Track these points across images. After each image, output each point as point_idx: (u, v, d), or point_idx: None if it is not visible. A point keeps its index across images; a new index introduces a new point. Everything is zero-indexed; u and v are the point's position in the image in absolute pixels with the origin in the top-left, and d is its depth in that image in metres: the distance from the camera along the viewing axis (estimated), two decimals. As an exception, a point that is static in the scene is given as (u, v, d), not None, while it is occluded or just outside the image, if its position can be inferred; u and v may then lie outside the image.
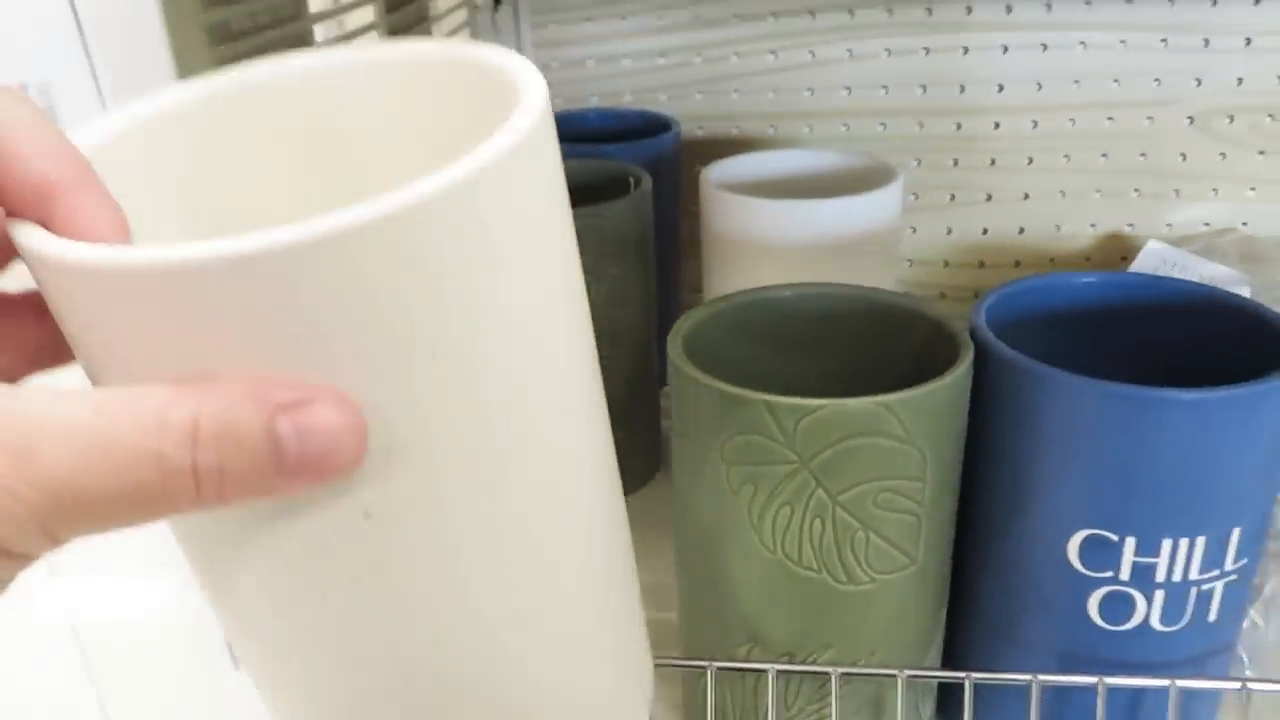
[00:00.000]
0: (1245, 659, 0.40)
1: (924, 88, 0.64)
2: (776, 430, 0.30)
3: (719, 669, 0.34)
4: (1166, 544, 0.31)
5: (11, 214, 0.17)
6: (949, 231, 0.67)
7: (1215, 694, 0.34)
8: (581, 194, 0.47)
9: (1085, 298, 0.36)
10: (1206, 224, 0.66)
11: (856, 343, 0.37)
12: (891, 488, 0.31)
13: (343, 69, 0.21)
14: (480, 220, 0.16)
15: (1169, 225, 0.66)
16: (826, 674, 0.33)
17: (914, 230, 0.68)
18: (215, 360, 0.15)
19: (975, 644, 0.37)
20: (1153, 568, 0.31)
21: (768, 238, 0.48)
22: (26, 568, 0.15)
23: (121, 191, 0.18)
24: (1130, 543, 0.31)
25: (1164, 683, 0.32)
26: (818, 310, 0.38)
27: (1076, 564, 0.32)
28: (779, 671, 0.33)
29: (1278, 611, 0.41)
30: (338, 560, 0.17)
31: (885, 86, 0.64)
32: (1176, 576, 0.31)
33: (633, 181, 0.52)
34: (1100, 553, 0.31)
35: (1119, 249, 0.66)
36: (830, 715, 0.33)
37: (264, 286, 0.15)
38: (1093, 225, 0.66)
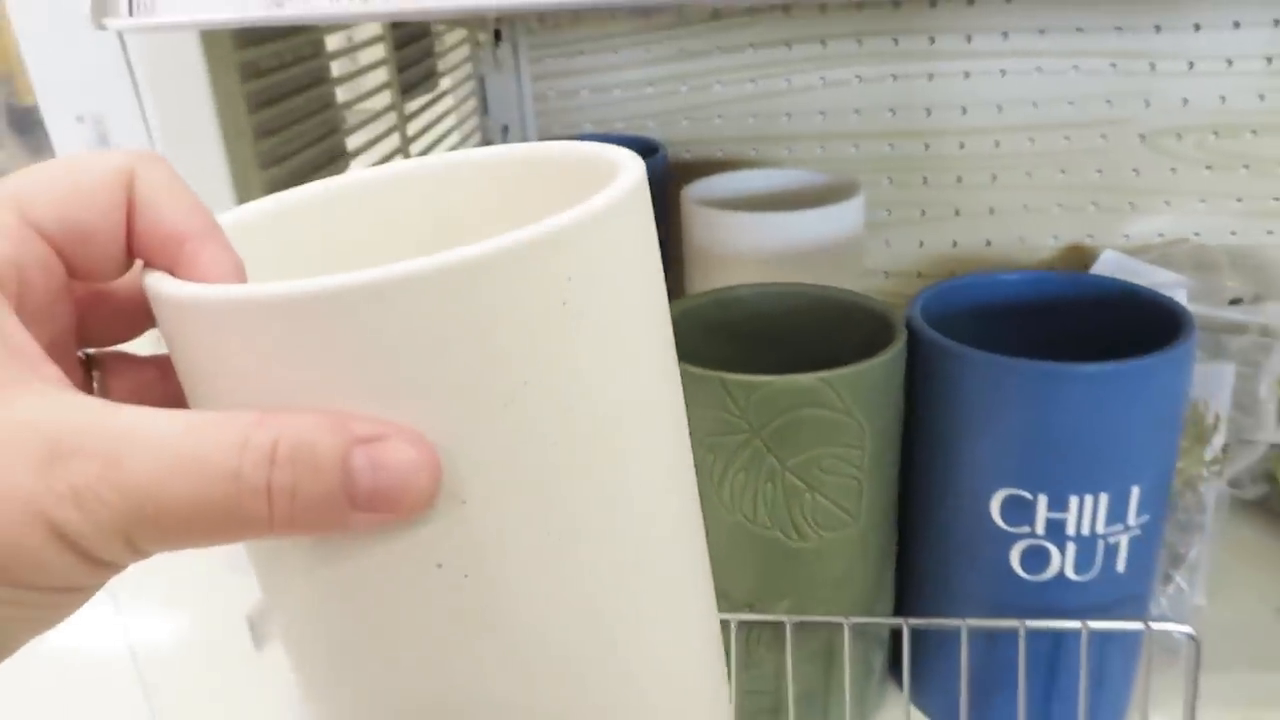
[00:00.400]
0: (1195, 636, 0.45)
1: (893, 111, 0.69)
2: (732, 405, 0.35)
3: (687, 619, 0.38)
4: (1074, 501, 0.35)
5: (147, 264, 0.18)
6: (921, 245, 0.72)
7: (1128, 639, 0.38)
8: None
9: (1010, 293, 0.41)
10: (1160, 235, 0.71)
11: (810, 335, 0.42)
12: (834, 454, 0.36)
13: (462, 166, 0.23)
14: (561, 273, 0.17)
15: (1126, 236, 0.71)
16: (782, 622, 0.37)
17: (888, 244, 0.72)
18: (306, 396, 0.16)
19: (917, 598, 0.41)
20: (1063, 522, 0.36)
21: (740, 248, 0.53)
22: (110, 577, 0.16)
23: (253, 268, 0.19)
24: (1043, 500, 0.36)
25: (1076, 625, 0.36)
26: (776, 308, 0.43)
27: (998, 521, 0.36)
28: (740, 622, 0.38)
29: (1201, 576, 0.46)
30: (410, 612, 0.17)
31: (857, 110, 0.70)
32: (1085, 530, 0.36)
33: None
34: (1018, 510, 0.36)
35: (1080, 259, 0.71)
36: (787, 662, 0.38)
37: (348, 321, 0.15)
38: (1055, 237, 0.71)
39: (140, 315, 0.20)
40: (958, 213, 0.71)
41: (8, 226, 0.17)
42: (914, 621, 0.37)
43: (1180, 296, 0.56)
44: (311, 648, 0.19)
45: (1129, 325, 0.39)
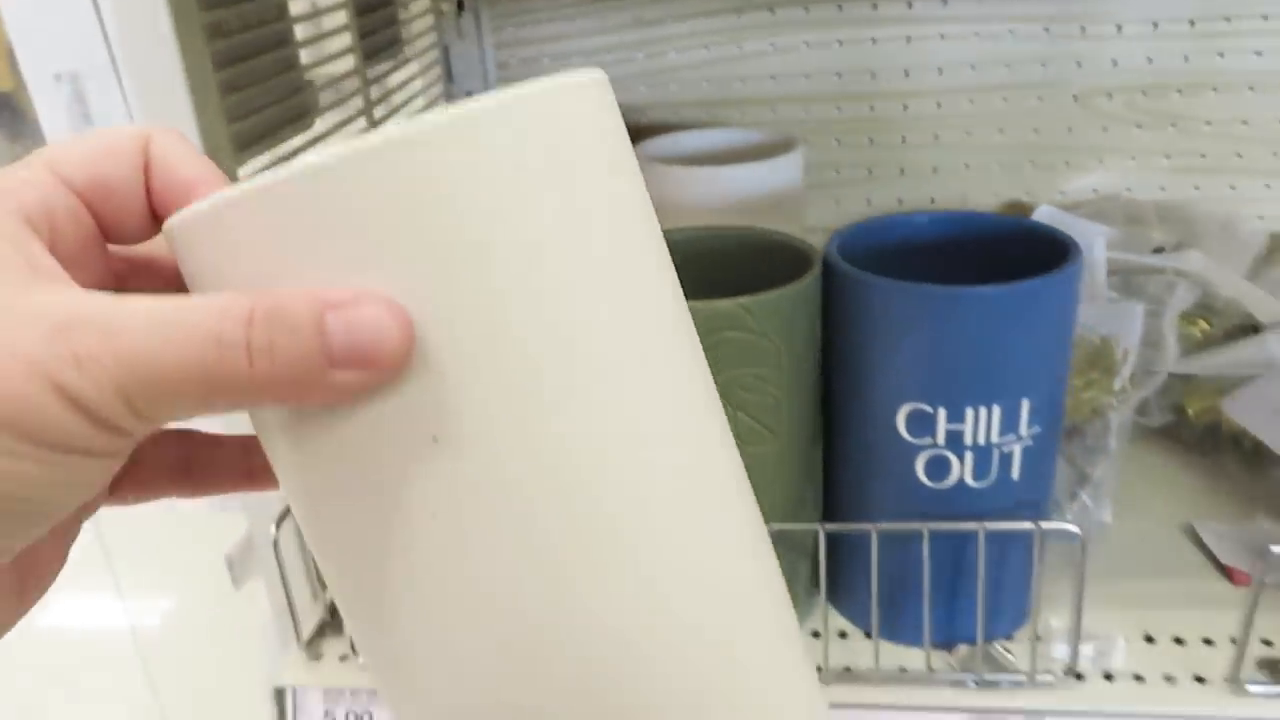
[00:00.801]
0: (1079, 533, 0.49)
1: (839, 75, 0.73)
2: (658, 328, 0.39)
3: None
4: (970, 413, 0.39)
5: (162, 218, 0.20)
6: (868, 202, 0.76)
7: (1027, 541, 0.42)
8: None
9: (919, 232, 0.45)
10: (1095, 190, 0.74)
11: (739, 272, 0.46)
12: (753, 374, 0.39)
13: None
14: (518, 139, 0.17)
15: (1062, 193, 0.74)
16: (711, 530, 0.41)
17: (837, 202, 0.76)
18: (291, 281, 0.17)
19: (837, 509, 0.45)
20: (961, 433, 0.39)
21: (688, 201, 0.56)
22: (123, 445, 0.18)
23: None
24: (942, 413, 0.39)
25: (974, 526, 0.40)
26: (709, 248, 0.46)
27: (904, 433, 0.40)
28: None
29: (1107, 495, 0.50)
30: (413, 492, 0.18)
31: (806, 75, 0.73)
32: (980, 440, 0.39)
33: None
34: (921, 423, 0.40)
35: (1019, 215, 0.74)
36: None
37: (318, 200, 0.17)
38: (995, 194, 0.75)
39: (173, 284, 0.22)
40: (903, 171, 0.75)
41: (40, 179, 0.20)
42: (829, 526, 0.41)
43: (1099, 245, 0.60)
44: (324, 530, 0.19)
45: (1026, 258, 0.42)
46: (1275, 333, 0.54)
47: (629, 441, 0.18)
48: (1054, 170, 0.74)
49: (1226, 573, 0.47)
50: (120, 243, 0.22)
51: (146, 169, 0.21)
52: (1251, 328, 0.60)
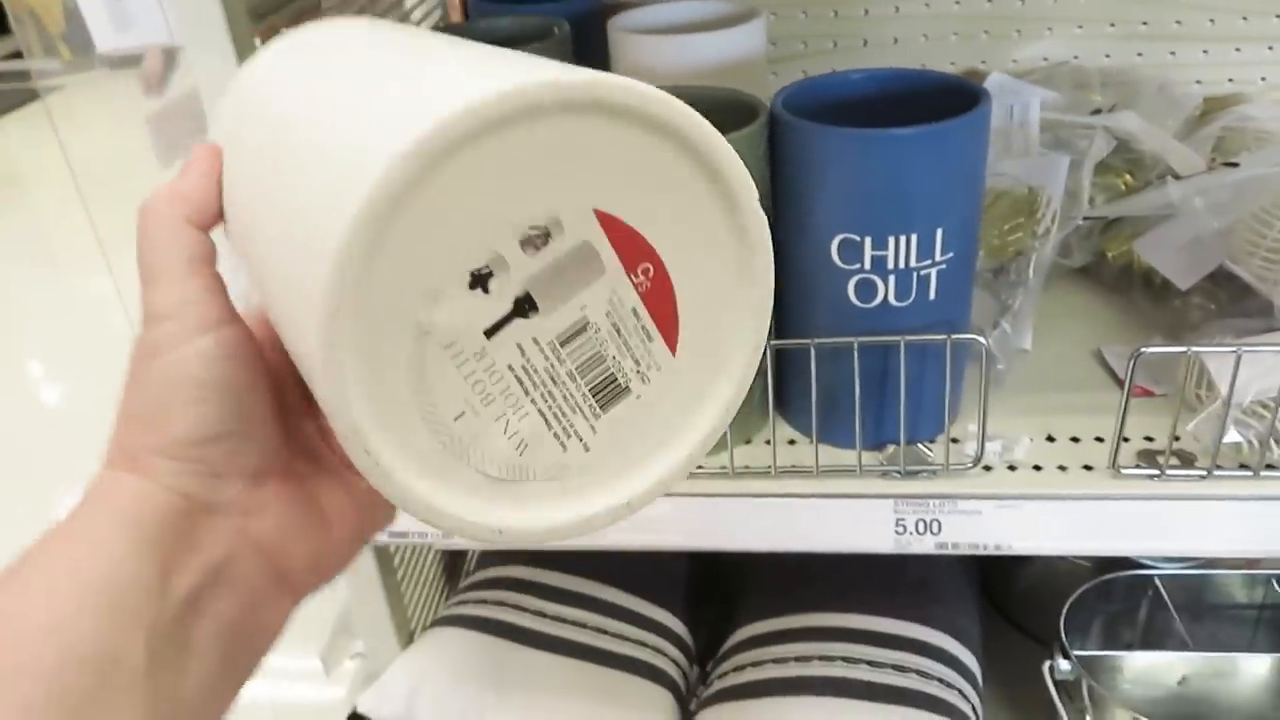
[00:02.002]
0: (999, 357, 0.56)
1: (805, -50, 0.77)
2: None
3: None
4: (891, 240, 0.46)
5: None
6: (833, 73, 0.81)
7: (938, 352, 0.49)
8: (510, 46, 0.60)
9: (856, 88, 0.51)
10: (1045, 59, 0.79)
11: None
12: (706, 210, 0.46)
13: None
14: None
15: (1014, 61, 0.80)
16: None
17: (804, 73, 0.81)
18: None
19: (782, 331, 0.52)
20: (885, 259, 0.46)
21: (657, 70, 0.62)
22: None
23: None
24: (868, 241, 0.46)
25: (895, 339, 0.47)
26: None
27: (837, 260, 0.47)
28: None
29: (1022, 323, 0.57)
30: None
31: (774, -50, 0.77)
32: (901, 264, 0.46)
33: (555, 31, 0.66)
34: (850, 250, 0.46)
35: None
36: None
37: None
38: (952, 63, 0.80)
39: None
40: (865, 43, 0.80)
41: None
42: (774, 343, 0.48)
43: (1034, 106, 0.66)
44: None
45: (948, 109, 0.48)
46: (1180, 182, 0.61)
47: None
48: (1007, 39, 0.79)
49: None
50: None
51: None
52: (1171, 179, 0.66)
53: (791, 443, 0.54)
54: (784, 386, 0.53)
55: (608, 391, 0.27)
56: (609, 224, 0.26)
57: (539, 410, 0.26)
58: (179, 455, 0.27)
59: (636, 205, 0.26)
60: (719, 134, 0.26)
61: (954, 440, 0.52)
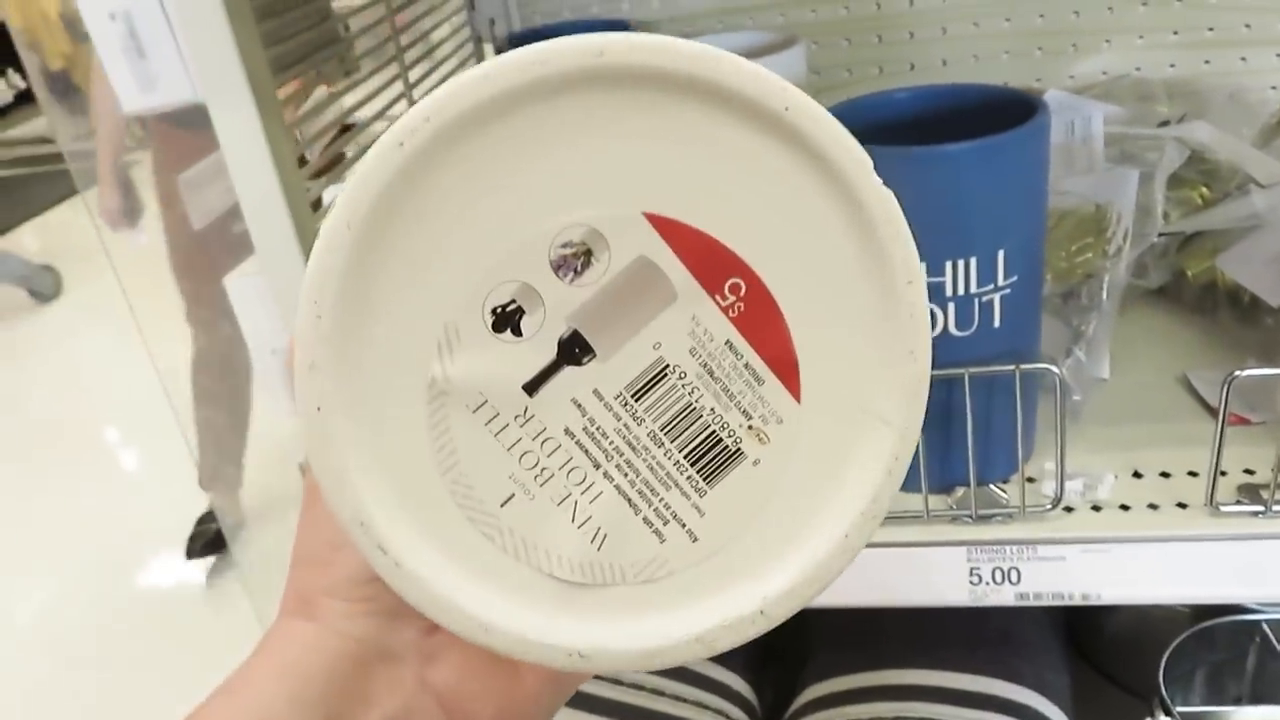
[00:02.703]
0: (1074, 387, 0.52)
1: (845, -24, 0.75)
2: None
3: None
4: (949, 264, 0.42)
5: None
6: (879, 92, 0.78)
7: (1008, 384, 0.45)
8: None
9: (903, 107, 0.48)
10: (1104, 73, 0.76)
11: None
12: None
13: None
14: None
15: (1071, 77, 0.76)
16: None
17: (851, 103, 0.78)
18: None
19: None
20: (942, 285, 0.43)
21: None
22: None
23: None
24: (922, 267, 0.43)
25: (958, 371, 0.43)
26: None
27: (890, 290, 0.44)
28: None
29: (1097, 349, 0.53)
30: None
31: (812, -22, 0.75)
32: (961, 290, 0.43)
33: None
34: (905, 279, 0.43)
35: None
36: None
37: None
38: (1005, 83, 0.76)
39: None
40: (913, 67, 0.77)
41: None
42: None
43: (1097, 119, 0.62)
44: None
45: (1002, 123, 0.45)
46: (1265, 190, 0.56)
47: None
48: (1062, 55, 0.75)
49: (1214, 413, 0.50)
50: None
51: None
52: (1255, 188, 0.62)
53: (852, 488, 0.50)
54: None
55: (712, 457, 0.21)
56: (669, 230, 0.20)
57: (616, 487, 0.20)
58: (350, 595, 0.24)
59: (705, 202, 0.20)
60: (819, 108, 0.20)
61: (1030, 480, 0.48)
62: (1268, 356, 0.53)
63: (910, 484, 0.48)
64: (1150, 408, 0.52)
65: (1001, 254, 0.42)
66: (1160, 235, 0.55)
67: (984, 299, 0.43)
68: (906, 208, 0.41)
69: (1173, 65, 0.74)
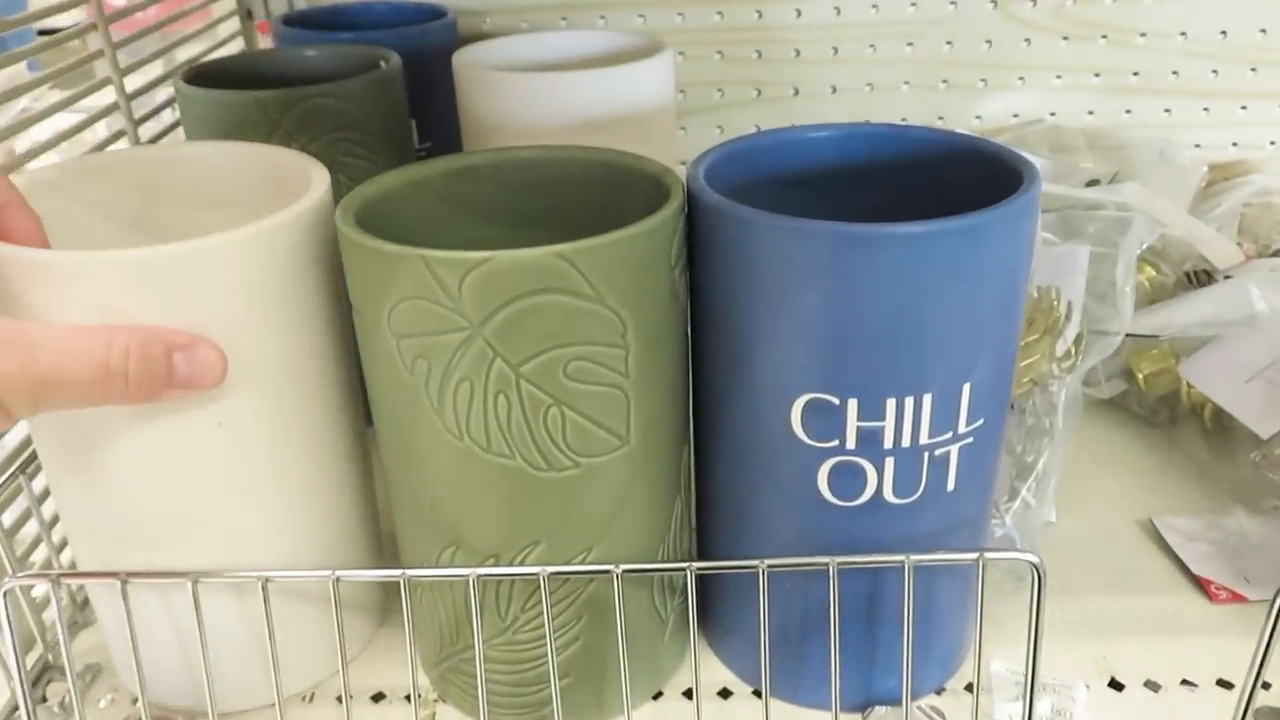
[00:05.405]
0: (1017, 538, 0.38)
1: (720, -27, 0.60)
2: (440, 291, 0.26)
3: (411, 579, 0.30)
4: (890, 404, 0.28)
5: None
6: (756, 129, 0.64)
7: (963, 572, 0.32)
8: (322, 82, 0.42)
9: (818, 153, 0.33)
10: (1015, 115, 0.64)
11: (578, 211, 0.33)
12: (584, 355, 0.27)
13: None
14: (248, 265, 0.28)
15: (978, 118, 0.64)
16: (535, 575, 0.29)
17: (721, 130, 0.64)
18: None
19: (718, 533, 0.33)
20: (878, 432, 0.28)
21: (526, 116, 0.43)
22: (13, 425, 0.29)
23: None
24: (852, 405, 0.28)
25: (899, 558, 0.29)
26: (534, 177, 0.33)
27: (800, 433, 0.29)
28: (479, 577, 0.29)
29: (1051, 489, 0.39)
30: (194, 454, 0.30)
31: (680, -27, 0.60)
32: (905, 441, 0.28)
33: (382, 65, 0.47)
34: (824, 419, 0.28)
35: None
36: (547, 624, 0.29)
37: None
38: (902, 118, 0.64)
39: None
40: (797, 92, 0.63)
41: None
42: (699, 566, 0.29)
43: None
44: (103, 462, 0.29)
45: (954, 187, 0.31)
46: (1239, 279, 0.45)
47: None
48: (969, 91, 0.63)
49: (1199, 584, 0.38)
50: None
51: None
52: (1204, 273, 0.50)
53: (724, 694, 0.35)
54: (715, 610, 0.34)
55: None
56: None
57: None
58: None
59: None
60: None
61: (967, 689, 0.34)
62: (1250, 496, 0.42)
63: (809, 695, 0.33)
64: (1114, 569, 0.39)
65: (967, 388, 0.28)
66: (1130, 336, 0.43)
67: (937, 452, 0.29)
68: (835, 315, 0.27)
69: (1091, 112, 0.63)
